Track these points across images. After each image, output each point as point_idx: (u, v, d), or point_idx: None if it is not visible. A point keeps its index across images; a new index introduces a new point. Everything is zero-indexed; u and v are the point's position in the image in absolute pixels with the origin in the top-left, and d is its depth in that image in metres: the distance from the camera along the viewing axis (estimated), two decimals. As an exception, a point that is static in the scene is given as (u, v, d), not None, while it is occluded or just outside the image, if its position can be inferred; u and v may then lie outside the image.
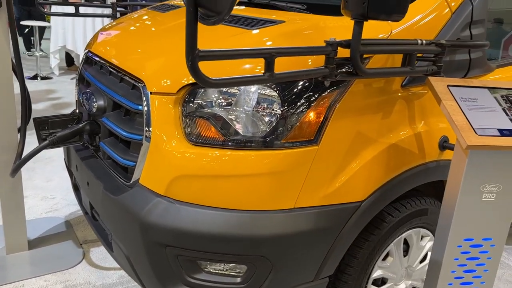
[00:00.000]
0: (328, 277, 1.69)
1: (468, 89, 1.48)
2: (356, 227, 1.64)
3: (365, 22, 1.33)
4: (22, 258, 2.41)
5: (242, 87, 1.52)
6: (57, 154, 3.69)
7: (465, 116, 1.37)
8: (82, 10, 3.24)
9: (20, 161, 2.15)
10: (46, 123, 2.05)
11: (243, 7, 2.14)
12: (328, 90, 1.52)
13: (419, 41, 1.52)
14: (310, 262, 1.61)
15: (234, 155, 1.50)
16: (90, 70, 2.14)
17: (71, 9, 5.53)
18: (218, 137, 1.52)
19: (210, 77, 1.19)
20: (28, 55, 7.70)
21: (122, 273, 2.38)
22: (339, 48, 1.39)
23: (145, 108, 1.60)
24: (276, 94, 1.50)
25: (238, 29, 1.74)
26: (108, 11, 4.35)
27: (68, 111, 4.68)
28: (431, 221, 1.88)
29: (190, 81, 1.53)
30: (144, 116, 1.60)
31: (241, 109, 1.52)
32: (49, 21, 7.23)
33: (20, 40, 7.65)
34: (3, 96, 2.21)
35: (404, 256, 1.92)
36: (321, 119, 1.51)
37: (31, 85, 2.26)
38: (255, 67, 1.51)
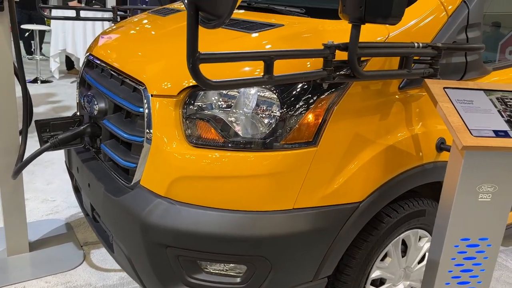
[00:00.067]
0: (327, 277, 1.71)
1: (464, 91, 1.50)
2: (355, 228, 1.66)
3: (362, 26, 1.35)
4: (23, 260, 2.43)
5: (242, 90, 1.54)
6: (57, 157, 3.70)
7: (461, 117, 1.39)
8: (82, 14, 3.26)
9: (22, 163, 2.17)
10: (47, 126, 2.07)
11: (242, 11, 2.16)
12: (327, 93, 1.54)
13: (416, 44, 1.55)
14: (309, 262, 1.63)
15: (234, 156, 1.52)
16: (91, 73, 2.16)
17: (71, 13, 5.57)
18: (218, 138, 1.54)
19: (210, 79, 1.21)
20: (29, 59, 7.72)
21: (122, 275, 2.40)
22: (337, 51, 1.41)
23: (146, 110, 1.63)
24: (275, 96, 1.52)
25: (238, 32, 1.76)
26: (108, 15, 4.38)
27: (68, 114, 4.70)
28: (429, 222, 1.90)
29: (191, 84, 1.55)
30: (145, 118, 1.62)
31: (241, 111, 1.55)
32: (49, 25, 7.26)
33: (21, 44, 7.66)
34: (5, 99, 2.23)
35: (402, 256, 1.93)
36: (320, 121, 1.53)
37: (31, 89, 2.27)
38: (255, 69, 1.53)
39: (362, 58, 1.53)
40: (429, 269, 1.58)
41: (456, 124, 1.36)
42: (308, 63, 1.53)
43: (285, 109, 1.52)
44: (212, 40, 1.71)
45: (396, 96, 1.67)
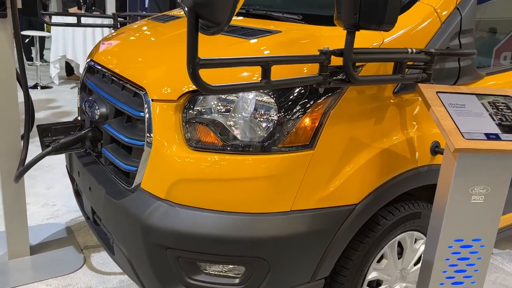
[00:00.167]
0: (324, 279, 1.74)
1: (457, 95, 1.54)
2: (351, 230, 1.69)
3: (358, 32, 1.40)
4: (24, 263, 2.45)
5: (240, 94, 1.58)
6: (58, 162, 3.74)
7: (453, 121, 1.43)
8: (82, 20, 3.31)
9: (24, 167, 2.20)
10: (49, 130, 2.10)
11: (241, 18, 2.21)
12: (323, 97, 1.58)
13: (409, 50, 1.59)
14: (306, 264, 1.66)
15: (232, 159, 1.56)
16: (92, 78, 2.20)
17: (70, 19, 5.62)
18: (217, 142, 1.58)
19: (210, 84, 1.25)
20: (29, 65, 7.77)
21: (122, 278, 2.42)
22: (333, 56, 1.46)
23: (147, 115, 1.66)
24: (273, 100, 1.56)
25: (237, 38, 1.81)
26: (108, 21, 4.43)
27: (68, 119, 4.72)
28: (424, 224, 1.93)
29: (190, 89, 1.59)
30: (146, 123, 1.66)
31: (239, 115, 1.58)
32: (49, 31, 7.31)
33: (21, 50, 7.69)
34: (8, 105, 2.27)
35: (399, 258, 1.96)
36: (316, 124, 1.57)
37: (31, 94, 2.30)
38: (253, 74, 1.57)
39: (357, 64, 1.57)
40: (424, 269, 1.61)
41: (448, 128, 1.40)
42: (305, 68, 1.57)
43: (282, 113, 1.55)
44: (211, 46, 1.75)
45: (391, 101, 1.71)
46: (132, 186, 1.73)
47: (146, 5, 7.19)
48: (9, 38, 2.21)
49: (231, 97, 1.59)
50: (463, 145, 1.37)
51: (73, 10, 6.79)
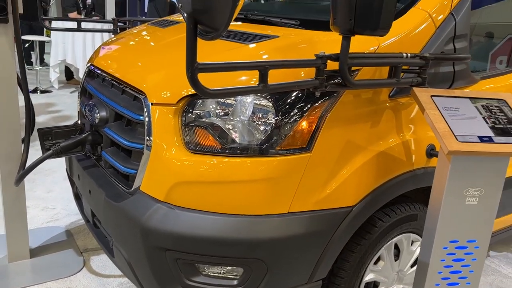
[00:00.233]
0: (322, 280, 1.76)
1: (451, 99, 1.57)
2: (348, 231, 1.71)
3: (354, 37, 1.42)
4: (24, 266, 2.47)
5: (239, 98, 1.61)
6: (57, 165, 3.75)
7: (447, 124, 1.46)
8: (82, 25, 3.34)
9: (24, 170, 2.22)
10: (50, 134, 2.12)
11: (240, 23, 2.24)
12: (320, 101, 1.60)
13: (404, 54, 1.62)
14: (303, 265, 1.68)
15: (231, 162, 1.58)
16: (93, 83, 2.23)
17: (70, 24, 5.66)
18: (215, 145, 1.60)
19: (208, 88, 1.27)
20: (28, 69, 7.81)
21: (121, 280, 2.44)
22: (329, 61, 1.48)
23: (146, 118, 1.68)
24: (270, 104, 1.59)
25: (235, 43, 1.83)
26: (107, 26, 4.46)
27: (68, 123, 4.74)
28: (421, 226, 1.95)
29: (189, 93, 1.61)
30: (145, 126, 1.68)
31: (238, 119, 1.61)
32: (48, 36, 7.35)
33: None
34: (9, 109, 2.29)
35: (395, 260, 1.98)
36: (313, 127, 1.60)
37: (31, 99, 2.32)
38: (251, 78, 1.60)
39: (353, 68, 1.60)
40: (420, 270, 1.63)
41: (442, 130, 1.43)
42: (302, 72, 1.59)
43: (280, 117, 1.58)
44: (210, 50, 1.77)
45: (387, 104, 1.74)
46: (132, 189, 1.75)
47: (146, 10, 7.23)
48: (11, 43, 2.23)
49: (230, 100, 1.62)
50: (457, 148, 1.40)
51: (73, 15, 6.84)
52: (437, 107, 1.51)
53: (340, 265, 1.80)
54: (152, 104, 1.68)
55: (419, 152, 1.82)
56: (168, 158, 1.62)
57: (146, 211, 1.64)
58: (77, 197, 2.41)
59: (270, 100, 1.59)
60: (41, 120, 5.28)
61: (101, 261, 2.59)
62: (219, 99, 1.61)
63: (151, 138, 1.66)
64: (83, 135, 2.07)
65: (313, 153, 1.60)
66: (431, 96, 1.56)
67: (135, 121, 1.79)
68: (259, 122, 1.59)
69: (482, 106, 1.57)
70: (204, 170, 1.59)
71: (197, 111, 1.64)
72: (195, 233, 1.59)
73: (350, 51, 1.46)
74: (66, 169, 2.47)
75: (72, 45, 6.61)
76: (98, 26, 5.83)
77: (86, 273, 2.48)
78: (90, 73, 2.31)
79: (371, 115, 1.70)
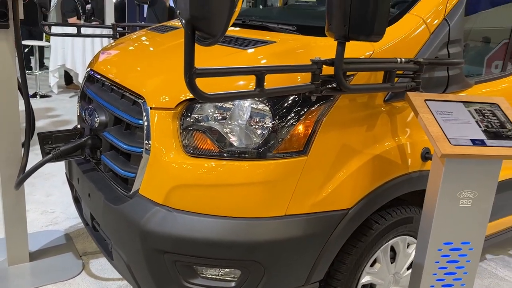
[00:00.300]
0: (318, 282, 1.78)
1: (444, 103, 1.60)
2: (344, 234, 1.73)
3: (350, 42, 1.45)
4: (23, 270, 2.48)
5: (236, 102, 1.63)
6: (57, 169, 3.77)
7: (441, 127, 1.49)
8: (82, 30, 3.37)
9: (24, 174, 2.24)
10: (50, 138, 2.14)
11: (238, 29, 2.27)
12: (316, 105, 1.63)
13: (399, 60, 1.65)
14: (300, 267, 1.70)
15: (229, 165, 1.61)
16: (92, 87, 2.25)
17: (70, 30, 5.70)
18: (213, 148, 1.63)
19: (206, 92, 1.30)
20: (28, 74, 7.84)
21: (120, 283, 2.45)
22: (325, 66, 1.51)
23: (145, 123, 1.71)
24: (267, 108, 1.62)
25: (233, 48, 1.86)
26: (107, 31, 4.49)
27: (67, 128, 4.77)
28: (416, 229, 1.97)
29: (188, 97, 1.64)
30: (144, 130, 1.71)
31: (235, 123, 1.63)
32: (48, 41, 7.39)
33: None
34: (9, 113, 2.31)
35: (392, 263, 2.00)
36: (310, 131, 1.62)
37: (31, 103, 2.37)
38: (249, 83, 1.62)
39: (349, 73, 1.63)
40: (415, 272, 1.66)
41: (435, 134, 1.46)
42: (299, 77, 1.62)
43: (277, 121, 1.61)
44: (208, 56, 1.80)
45: (382, 108, 1.77)
46: (131, 192, 1.77)
47: (145, 15, 7.27)
48: (11, 48, 2.26)
49: (228, 105, 1.64)
50: (450, 151, 1.42)
51: (73, 20, 6.87)
52: (431, 111, 1.54)
53: (337, 267, 1.82)
54: (151, 108, 1.70)
55: (414, 155, 1.85)
56: (166, 162, 1.65)
57: (145, 214, 1.66)
58: (77, 200, 2.42)
59: (267, 104, 1.61)
60: (40, 124, 5.30)
61: (100, 265, 2.60)
62: (217, 104, 1.64)
63: (150, 142, 1.68)
64: (83, 139, 2.10)
65: (310, 156, 1.62)
66: (425, 100, 1.59)
67: (134, 125, 1.81)
68: (257, 126, 1.62)
69: (475, 110, 1.60)
70: (202, 173, 1.62)
71: (195, 115, 1.66)
72: (193, 236, 1.61)
73: (346, 56, 1.49)
74: (65, 172, 2.49)
75: (71, 50, 6.64)
76: (98, 31, 5.87)
77: (85, 276, 2.49)
78: (90, 78, 2.33)
79: (366, 119, 1.73)
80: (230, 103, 1.63)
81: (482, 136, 1.50)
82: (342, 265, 1.82)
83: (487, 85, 2.13)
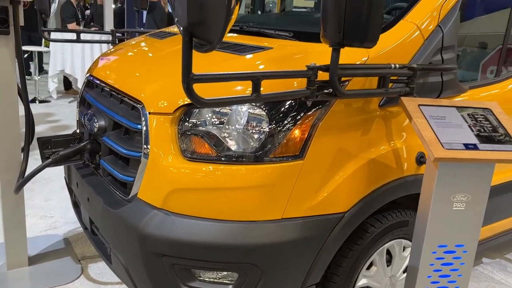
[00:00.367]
0: (315, 285, 1.80)
1: (438, 108, 1.63)
2: (340, 237, 1.76)
3: (346, 48, 1.48)
4: (22, 274, 2.49)
5: (234, 107, 1.66)
6: (55, 174, 3.78)
7: (434, 132, 1.51)
8: (81, 36, 3.40)
9: (24, 178, 2.26)
10: (49, 143, 2.16)
11: (235, 35, 2.30)
12: (312, 110, 1.66)
13: (393, 65, 1.68)
14: (297, 270, 1.71)
15: (226, 169, 1.63)
16: (92, 93, 2.28)
17: (69, 35, 5.73)
18: (211, 153, 1.65)
19: (203, 97, 1.33)
20: (27, 79, 7.87)
21: (119, 287, 2.47)
22: (320, 71, 1.54)
23: (144, 127, 1.73)
24: (264, 113, 1.64)
25: (230, 54, 1.89)
26: (106, 37, 4.53)
27: (66, 133, 4.78)
28: (412, 232, 2.00)
29: (186, 102, 1.67)
30: (143, 135, 1.73)
31: (233, 127, 1.66)
32: (47, 46, 7.42)
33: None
34: (9, 118, 2.33)
35: (388, 266, 2.02)
36: (306, 136, 1.65)
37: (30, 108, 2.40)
38: (246, 88, 1.65)
39: (344, 78, 1.65)
40: (410, 274, 1.68)
41: (429, 138, 1.48)
42: (295, 82, 1.65)
43: (273, 125, 1.63)
44: (206, 61, 1.82)
45: (377, 113, 1.79)
46: (129, 196, 1.79)
47: (144, 21, 7.32)
48: (12, 54, 2.28)
49: (225, 109, 1.67)
50: (443, 155, 1.45)
51: (72, 25, 6.92)
52: (424, 116, 1.57)
53: (333, 270, 1.84)
54: (149, 113, 1.73)
55: (409, 159, 1.87)
56: (165, 166, 1.67)
57: (143, 218, 1.68)
58: (76, 204, 2.44)
59: (264, 109, 1.64)
60: (39, 129, 5.32)
61: (99, 269, 2.61)
62: (214, 108, 1.67)
63: (148, 146, 1.71)
64: (82, 144, 2.12)
65: (306, 160, 1.65)
66: (419, 105, 1.62)
67: (133, 130, 1.84)
68: (254, 131, 1.64)
69: (468, 114, 1.63)
70: (200, 177, 1.64)
71: (193, 120, 1.69)
72: (191, 239, 1.63)
73: (341, 62, 1.52)
74: (64, 177, 2.51)
75: (71, 56, 6.67)
76: (97, 37, 5.90)
77: (84, 281, 2.50)
78: (89, 83, 2.36)
79: (362, 123, 1.76)
80: (227, 108, 1.66)
81: (474, 140, 1.53)
82: (338, 268, 1.84)
83: (481, 90, 2.16)
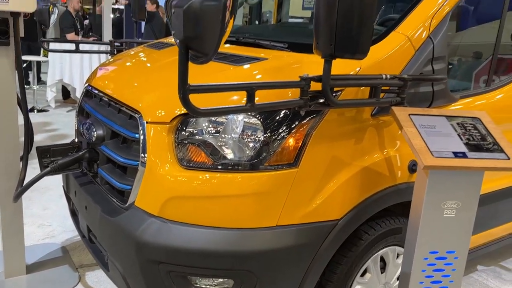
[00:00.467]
0: (310, 292, 1.82)
1: (428, 117, 1.67)
2: (334, 244, 1.78)
3: (338, 59, 1.52)
4: (20, 282, 2.50)
5: (229, 117, 1.70)
6: (53, 183, 3.80)
7: (424, 140, 1.55)
8: (80, 46, 3.45)
9: (23, 187, 2.29)
10: (48, 152, 2.19)
11: (232, 46, 2.34)
12: (306, 119, 1.70)
13: (384, 76, 1.72)
14: (292, 277, 1.74)
15: (222, 177, 1.66)
16: (90, 102, 2.31)
17: (68, 46, 5.78)
18: (207, 161, 1.68)
19: (199, 107, 1.37)
20: (26, 89, 7.90)
21: (116, 295, 2.48)
22: (313, 82, 1.58)
23: (141, 136, 1.77)
24: (259, 122, 1.68)
25: (226, 65, 1.94)
26: (104, 47, 4.58)
27: (64, 142, 4.81)
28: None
29: (182, 112, 1.70)
30: (140, 144, 1.76)
31: (229, 136, 1.70)
32: (46, 56, 7.47)
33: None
34: (8, 127, 2.36)
35: (382, 273, 2.05)
36: (300, 144, 1.69)
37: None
38: (241, 98, 1.68)
39: (336, 88, 1.70)
40: (402, 280, 1.70)
41: (419, 146, 1.52)
42: (290, 92, 1.69)
43: (268, 134, 1.67)
44: (202, 72, 1.86)
45: (370, 122, 1.83)
46: (127, 204, 1.81)
47: (142, 31, 7.38)
48: (12, 65, 2.32)
49: (221, 119, 1.71)
50: (432, 163, 1.49)
51: (71, 35, 6.97)
52: (415, 125, 1.61)
53: (328, 277, 1.87)
54: (147, 122, 1.76)
55: (401, 167, 1.91)
56: (162, 174, 1.70)
57: (140, 226, 1.70)
58: (73, 213, 2.46)
59: (259, 118, 1.68)
60: (38, 139, 5.34)
61: (96, 277, 2.63)
62: (211, 118, 1.70)
63: (145, 155, 1.74)
64: (80, 153, 2.14)
65: (300, 168, 1.68)
66: (409, 114, 1.66)
67: (130, 139, 1.87)
68: (249, 139, 1.68)
69: (458, 123, 1.67)
70: (197, 185, 1.67)
71: (190, 129, 1.72)
72: (188, 246, 1.65)
73: (335, 72, 1.56)
74: (63, 185, 2.53)
75: (69, 65, 6.72)
76: (95, 47, 5.96)
77: (81, 289, 2.52)
78: (88, 93, 2.40)
79: (354, 132, 1.79)
80: (223, 117, 1.70)
81: (463, 149, 1.57)
82: (333, 275, 1.86)
83: (472, 100, 2.20)
